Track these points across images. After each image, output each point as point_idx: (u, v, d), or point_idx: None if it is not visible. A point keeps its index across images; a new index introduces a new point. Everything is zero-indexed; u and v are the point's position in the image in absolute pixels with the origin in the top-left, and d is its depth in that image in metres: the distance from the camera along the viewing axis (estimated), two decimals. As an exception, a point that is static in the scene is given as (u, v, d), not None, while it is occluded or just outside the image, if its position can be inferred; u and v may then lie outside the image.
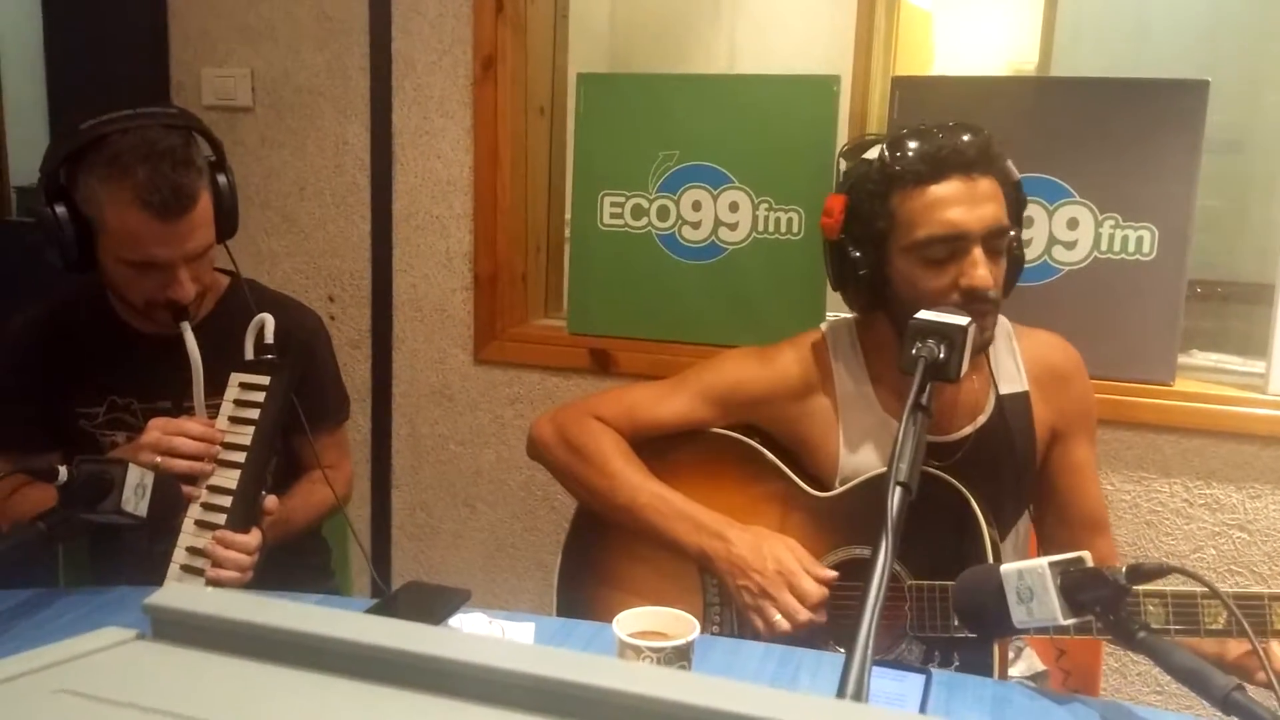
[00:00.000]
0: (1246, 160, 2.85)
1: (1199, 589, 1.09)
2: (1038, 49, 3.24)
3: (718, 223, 2.03)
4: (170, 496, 1.31)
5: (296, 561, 1.60)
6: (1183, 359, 1.86)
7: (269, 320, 1.42)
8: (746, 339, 1.58)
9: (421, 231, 2.22)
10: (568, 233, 2.30)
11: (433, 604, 1.31)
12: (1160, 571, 0.98)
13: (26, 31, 2.74)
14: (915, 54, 3.88)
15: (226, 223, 1.45)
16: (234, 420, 1.39)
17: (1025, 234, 1.71)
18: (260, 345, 1.42)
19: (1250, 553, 1.84)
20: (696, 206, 2.03)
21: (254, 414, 1.38)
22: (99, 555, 1.59)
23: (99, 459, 1.29)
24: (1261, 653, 0.95)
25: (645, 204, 2.06)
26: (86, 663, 0.58)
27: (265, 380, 1.40)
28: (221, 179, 1.43)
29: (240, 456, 1.37)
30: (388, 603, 1.32)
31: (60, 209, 1.35)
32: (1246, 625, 0.97)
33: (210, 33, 2.27)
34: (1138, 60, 3.15)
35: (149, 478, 1.28)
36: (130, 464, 1.26)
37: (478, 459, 2.27)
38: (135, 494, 1.25)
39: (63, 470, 1.21)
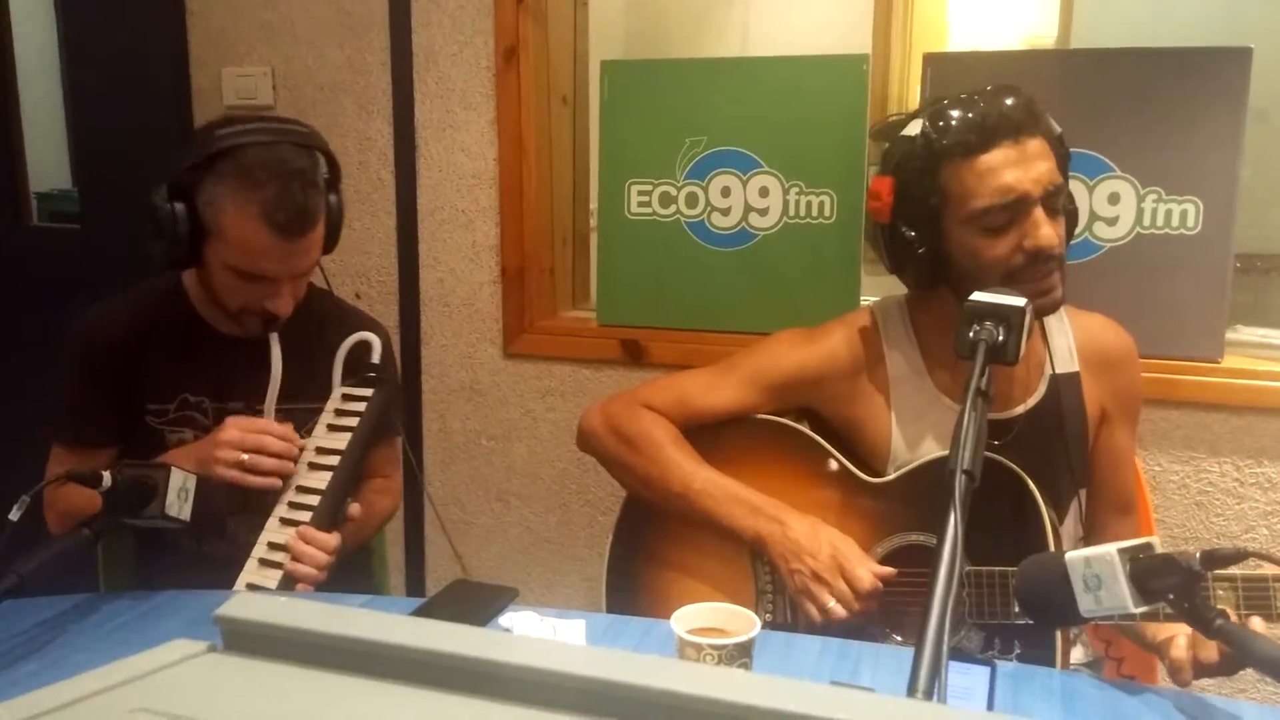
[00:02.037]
0: (1276, 129, 2.79)
1: (1270, 572, 1.07)
2: (1056, 21, 3.18)
3: (748, 208, 2.00)
4: (213, 500, 1.31)
5: (336, 561, 1.59)
6: (1228, 335, 1.82)
7: (375, 341, 1.50)
8: (780, 326, 1.55)
9: (447, 225, 2.20)
10: (594, 223, 2.28)
11: (480, 603, 1.30)
12: (1237, 557, 0.95)
13: (43, 36, 2.73)
14: (931, 30, 3.83)
15: (330, 240, 1.49)
16: (331, 428, 1.44)
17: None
18: (363, 362, 1.49)
19: (1304, 531, 1.80)
20: (725, 193, 2.00)
21: (352, 422, 1.43)
22: (144, 558, 1.59)
23: (142, 463, 1.29)
24: None
25: (673, 191, 2.03)
26: (160, 678, 0.57)
27: (368, 392, 1.45)
28: (333, 199, 1.46)
29: (334, 460, 1.41)
30: (434, 602, 1.31)
31: (179, 206, 1.38)
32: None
33: (229, 32, 2.25)
34: (1160, 30, 3.09)
35: (191, 481, 1.28)
36: (173, 468, 1.26)
37: (510, 453, 2.25)
38: (178, 498, 1.26)
39: (106, 476, 1.21)
